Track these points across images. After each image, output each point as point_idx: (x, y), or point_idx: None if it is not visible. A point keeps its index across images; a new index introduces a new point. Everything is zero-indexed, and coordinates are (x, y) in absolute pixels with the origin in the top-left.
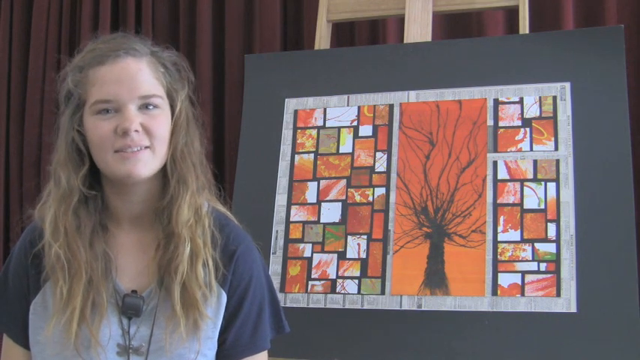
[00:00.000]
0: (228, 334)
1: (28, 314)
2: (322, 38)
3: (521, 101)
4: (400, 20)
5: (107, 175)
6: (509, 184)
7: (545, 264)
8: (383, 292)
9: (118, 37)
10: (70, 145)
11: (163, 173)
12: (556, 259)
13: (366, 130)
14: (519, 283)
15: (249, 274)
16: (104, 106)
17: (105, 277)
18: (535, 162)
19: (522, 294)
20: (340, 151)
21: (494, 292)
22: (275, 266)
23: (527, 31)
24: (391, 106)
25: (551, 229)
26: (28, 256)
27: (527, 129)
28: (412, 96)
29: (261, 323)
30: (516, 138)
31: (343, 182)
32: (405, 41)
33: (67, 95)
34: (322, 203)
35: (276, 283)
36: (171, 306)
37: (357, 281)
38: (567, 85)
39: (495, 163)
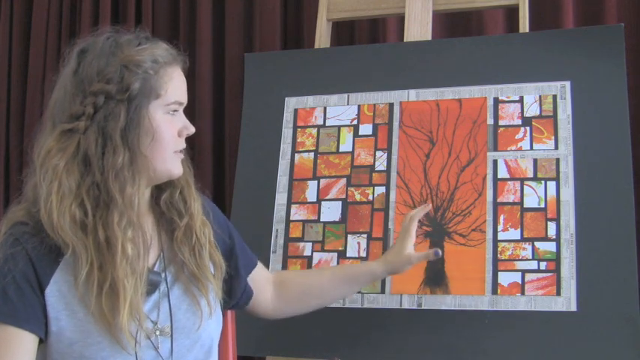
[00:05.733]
0: (237, 261)
1: (46, 306)
2: (322, 37)
3: (521, 100)
4: (400, 19)
5: (153, 168)
6: (509, 182)
7: (545, 263)
8: (383, 291)
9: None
10: None
11: None
12: (556, 258)
13: (366, 128)
14: (519, 281)
15: (222, 216)
16: (177, 107)
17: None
18: (535, 161)
19: (522, 293)
20: (340, 150)
21: (495, 291)
22: (275, 265)
23: (527, 30)
24: (391, 105)
25: (551, 227)
26: (28, 257)
27: (528, 128)
28: (412, 95)
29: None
30: (516, 137)
31: (343, 181)
32: (405, 40)
33: (132, 79)
34: (322, 202)
35: None
36: (189, 292)
37: None
38: (567, 84)
39: (495, 162)
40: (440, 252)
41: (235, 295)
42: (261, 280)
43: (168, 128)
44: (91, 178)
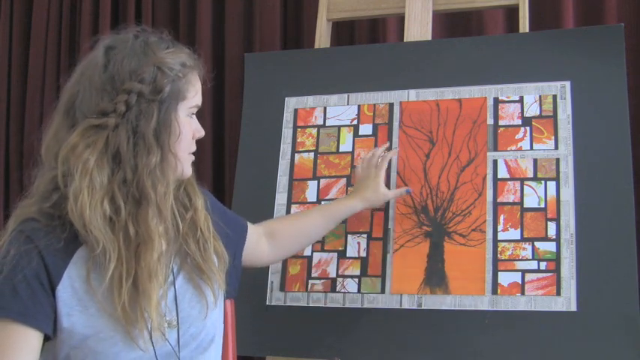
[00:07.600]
0: (230, 229)
1: (56, 303)
2: (322, 37)
3: (521, 100)
4: (400, 19)
5: (180, 167)
6: (509, 182)
7: (545, 263)
8: (383, 291)
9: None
10: None
11: None
12: (556, 258)
13: (366, 128)
14: (519, 281)
15: (219, 205)
16: (195, 110)
17: None
18: (535, 161)
19: (522, 293)
20: (340, 150)
21: (495, 291)
22: (275, 265)
23: (527, 30)
24: (391, 105)
25: (551, 227)
26: (40, 255)
27: (528, 128)
28: (412, 95)
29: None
30: (516, 137)
31: (343, 181)
32: (405, 40)
33: (165, 81)
34: (322, 202)
35: (276, 281)
36: (193, 283)
37: (357, 280)
38: (567, 84)
39: (495, 162)
40: (411, 190)
41: (232, 281)
42: (255, 239)
43: (188, 130)
44: (121, 175)
